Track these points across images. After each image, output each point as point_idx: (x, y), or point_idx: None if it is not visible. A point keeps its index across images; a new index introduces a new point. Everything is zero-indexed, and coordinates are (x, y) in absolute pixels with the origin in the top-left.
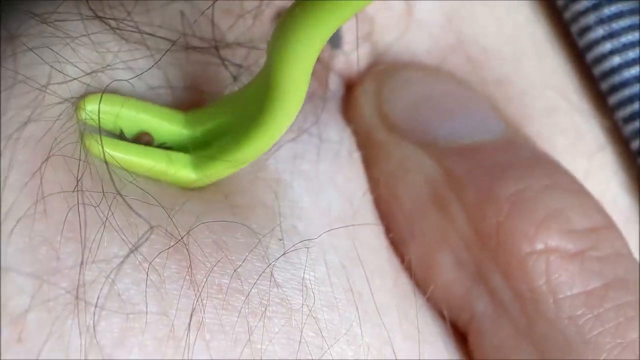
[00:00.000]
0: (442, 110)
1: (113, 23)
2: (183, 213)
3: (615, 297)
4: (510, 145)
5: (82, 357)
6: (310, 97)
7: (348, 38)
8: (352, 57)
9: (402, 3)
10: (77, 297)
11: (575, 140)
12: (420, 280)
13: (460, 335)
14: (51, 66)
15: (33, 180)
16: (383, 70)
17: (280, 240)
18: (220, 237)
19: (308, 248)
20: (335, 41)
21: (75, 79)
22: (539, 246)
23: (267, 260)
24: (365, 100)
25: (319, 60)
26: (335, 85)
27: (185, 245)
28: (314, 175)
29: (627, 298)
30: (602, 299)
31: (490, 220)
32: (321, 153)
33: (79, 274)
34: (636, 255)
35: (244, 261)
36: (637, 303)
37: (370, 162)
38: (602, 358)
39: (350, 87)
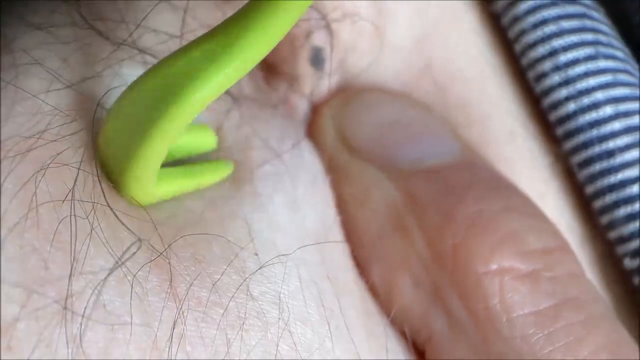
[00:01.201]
0: (403, 134)
1: (102, 28)
2: (164, 226)
3: (566, 316)
4: (469, 166)
5: None
6: (283, 117)
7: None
8: (323, 80)
9: (372, 27)
10: (65, 308)
11: (533, 165)
12: (383, 301)
13: (419, 353)
14: (51, 72)
15: (24, 190)
16: (345, 94)
17: (256, 254)
18: (198, 250)
19: (285, 263)
20: (317, 62)
21: (69, 86)
22: (494, 266)
23: (242, 275)
24: (327, 124)
25: (290, 83)
26: (304, 108)
27: (167, 259)
28: (291, 193)
29: (578, 317)
30: (553, 319)
31: (448, 241)
32: (298, 174)
33: (68, 284)
34: (592, 279)
35: (222, 275)
36: (587, 323)
37: (334, 185)
38: None
39: (315, 110)
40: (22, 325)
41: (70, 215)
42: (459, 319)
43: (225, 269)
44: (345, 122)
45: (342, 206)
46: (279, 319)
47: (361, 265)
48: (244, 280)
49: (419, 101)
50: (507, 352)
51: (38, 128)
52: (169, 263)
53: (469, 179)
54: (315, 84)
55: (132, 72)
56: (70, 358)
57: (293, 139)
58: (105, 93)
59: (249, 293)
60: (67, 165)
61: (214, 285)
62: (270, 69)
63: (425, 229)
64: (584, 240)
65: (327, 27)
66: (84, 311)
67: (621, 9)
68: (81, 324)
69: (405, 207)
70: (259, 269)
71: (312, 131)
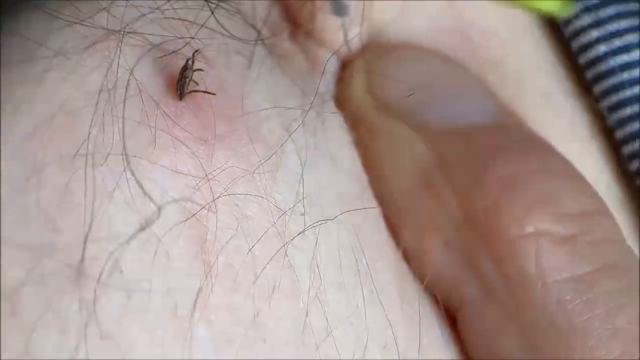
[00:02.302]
0: (435, 92)
1: None
2: (213, 182)
3: (605, 282)
4: (503, 128)
5: (80, 333)
6: (306, 75)
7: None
8: (350, 35)
9: None
10: (78, 273)
11: (571, 125)
12: (415, 265)
13: (450, 319)
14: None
15: (28, 144)
16: (376, 49)
17: (302, 215)
18: (241, 209)
19: (327, 226)
20: (340, 9)
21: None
22: (529, 229)
23: (282, 239)
24: (357, 80)
25: (316, 38)
26: (331, 64)
27: (204, 221)
28: (328, 154)
29: (617, 284)
30: (591, 285)
31: (480, 202)
32: (330, 133)
33: (82, 248)
34: (629, 241)
35: (258, 241)
36: (627, 289)
37: (362, 142)
38: (589, 344)
39: (344, 66)
40: (28, 290)
41: (85, 170)
42: (492, 284)
43: (267, 230)
44: (376, 77)
45: (370, 165)
46: (310, 287)
47: (392, 227)
48: (283, 245)
49: (453, 59)
50: (542, 319)
51: None
52: (205, 226)
53: (502, 141)
54: (343, 38)
55: None
56: (82, 325)
57: (320, 96)
58: None
59: (286, 259)
60: None
61: (249, 250)
62: (297, 26)
63: (457, 190)
64: (622, 201)
65: None
66: (99, 276)
67: None
68: (95, 289)
69: (435, 167)
70: (301, 232)
71: (340, 87)
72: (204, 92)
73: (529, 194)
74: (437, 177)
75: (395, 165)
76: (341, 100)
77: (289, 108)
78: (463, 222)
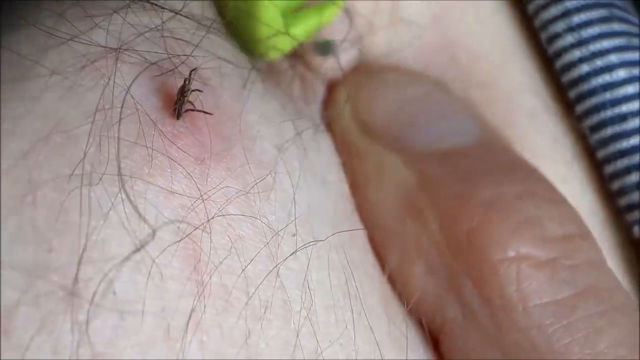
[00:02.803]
0: (419, 115)
1: None
2: (208, 202)
3: (585, 307)
4: (487, 150)
5: (73, 354)
6: (298, 96)
7: (337, 38)
8: (340, 57)
9: (389, 4)
10: (71, 293)
11: (555, 147)
12: (400, 288)
13: (434, 342)
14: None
15: (24, 163)
16: (362, 73)
17: (294, 236)
18: (235, 230)
19: (318, 247)
20: (325, 50)
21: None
22: (511, 253)
23: (274, 259)
24: (342, 103)
25: (305, 62)
26: (319, 87)
27: (198, 242)
28: (320, 176)
29: (597, 308)
30: (572, 309)
31: (463, 226)
32: (321, 156)
33: (76, 269)
34: (612, 261)
35: (251, 262)
36: (607, 313)
37: (347, 166)
38: None
39: (331, 88)
40: (22, 311)
41: (80, 190)
42: (473, 308)
43: (260, 251)
44: (361, 101)
45: (355, 188)
46: (301, 308)
47: (377, 250)
48: (275, 266)
49: (438, 81)
50: (523, 342)
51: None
52: (199, 246)
53: (486, 163)
54: (329, 65)
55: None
56: (74, 346)
57: (312, 118)
58: None
59: (278, 280)
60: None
61: (242, 271)
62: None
63: (439, 213)
64: (605, 223)
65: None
66: (92, 297)
67: None
68: (88, 311)
69: (419, 190)
70: (292, 253)
71: (326, 111)
72: (201, 111)
73: (511, 217)
74: (420, 200)
75: (380, 188)
76: (328, 123)
77: (285, 120)
78: (446, 245)
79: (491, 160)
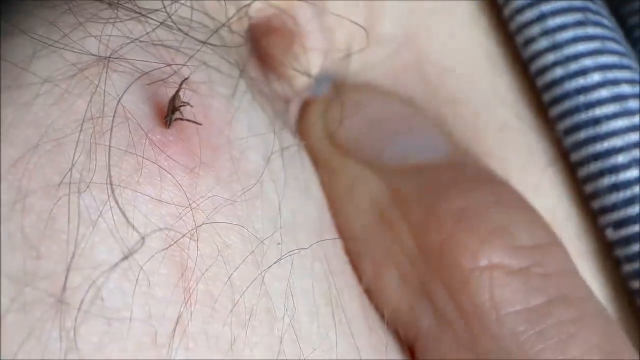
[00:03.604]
0: (389, 132)
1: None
2: (196, 210)
3: (557, 314)
4: (456, 164)
5: None
6: (282, 111)
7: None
8: (312, 75)
9: (362, 20)
10: (59, 300)
11: (527, 157)
12: (374, 298)
13: (410, 350)
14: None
15: (14, 170)
16: (333, 91)
17: (279, 244)
18: (222, 238)
19: (302, 255)
20: (322, 84)
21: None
22: (483, 262)
23: (259, 267)
24: (315, 121)
25: (284, 79)
26: (295, 104)
27: (186, 249)
28: (304, 186)
29: (569, 315)
30: (544, 316)
31: (435, 236)
32: (305, 167)
33: (64, 276)
34: (589, 266)
35: (236, 269)
36: (579, 320)
37: (322, 181)
38: None
39: (304, 105)
40: (11, 318)
41: (69, 197)
42: (447, 316)
43: (246, 258)
44: (332, 118)
45: (330, 202)
46: (284, 315)
47: (353, 261)
48: (260, 273)
49: (406, 98)
50: (496, 350)
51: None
52: (187, 254)
53: (456, 176)
54: (302, 84)
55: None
56: (62, 353)
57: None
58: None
59: (263, 287)
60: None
61: (228, 278)
62: (268, 63)
63: (411, 225)
64: (581, 230)
65: (321, 30)
66: (80, 304)
67: None
68: (76, 317)
69: (391, 204)
70: (276, 262)
71: (300, 127)
72: (191, 121)
73: (481, 227)
74: (392, 212)
75: (352, 202)
76: (303, 140)
77: (272, 132)
78: (418, 256)
79: (460, 173)
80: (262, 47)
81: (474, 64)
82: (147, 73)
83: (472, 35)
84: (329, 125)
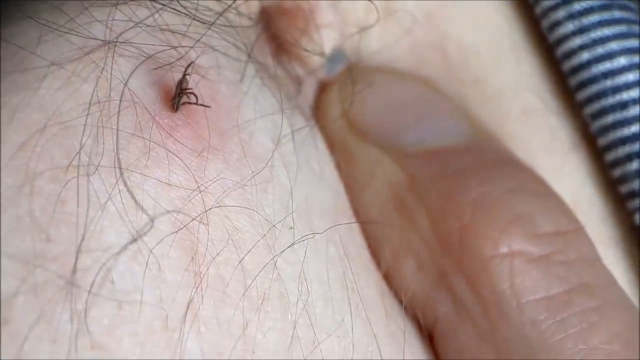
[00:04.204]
0: (408, 115)
1: None
2: (205, 194)
3: (579, 302)
4: (478, 149)
5: (72, 343)
6: (293, 93)
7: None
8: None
9: (382, 3)
10: (70, 283)
11: (550, 140)
12: (394, 284)
13: (428, 335)
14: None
15: (22, 154)
16: (352, 73)
17: (291, 228)
18: (232, 222)
19: (316, 240)
20: (336, 60)
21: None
22: (503, 249)
23: (272, 251)
24: (333, 103)
25: (297, 60)
26: (311, 85)
27: (196, 233)
28: (317, 170)
29: (591, 304)
30: (565, 304)
31: (454, 223)
32: (319, 151)
33: (74, 258)
34: (613, 253)
35: (248, 253)
36: (601, 309)
37: (339, 165)
38: None
39: (322, 88)
40: (21, 301)
41: (77, 180)
42: (466, 304)
43: (257, 243)
44: (350, 101)
45: (347, 186)
46: (298, 300)
47: (371, 247)
48: (273, 257)
49: (427, 80)
50: (516, 338)
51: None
52: (197, 237)
53: (476, 161)
54: (320, 64)
55: None
56: (73, 335)
57: (306, 115)
58: None
59: (275, 272)
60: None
61: (239, 262)
62: (280, 45)
63: (430, 211)
64: (605, 215)
65: (335, 7)
66: (91, 287)
67: None
68: (86, 300)
69: (409, 189)
70: (290, 246)
71: (316, 109)
72: (199, 104)
73: (503, 214)
74: (410, 198)
75: (370, 187)
76: (319, 124)
77: (283, 114)
78: (437, 243)
79: (481, 158)
80: (274, 28)
81: (497, 45)
82: (152, 56)
83: (494, 18)
84: (347, 107)
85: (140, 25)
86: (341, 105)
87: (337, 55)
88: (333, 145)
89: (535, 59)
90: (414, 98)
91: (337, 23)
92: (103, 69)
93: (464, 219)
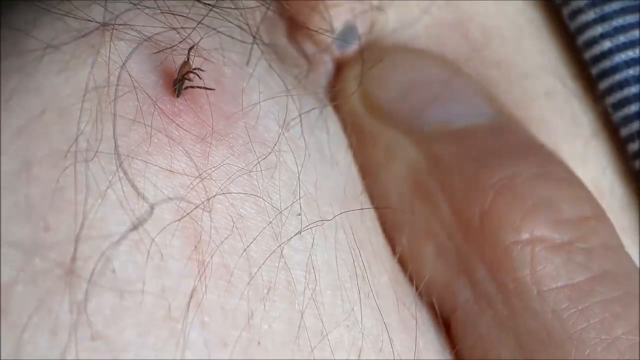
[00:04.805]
0: (429, 95)
1: None
2: (210, 181)
3: (601, 291)
4: (500, 131)
5: (71, 334)
6: (304, 75)
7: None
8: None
9: None
10: (69, 272)
11: (572, 125)
12: (411, 270)
13: (445, 325)
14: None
15: (19, 139)
16: (371, 52)
17: (299, 215)
18: (237, 209)
19: (324, 227)
20: (348, 36)
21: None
22: (525, 235)
23: (278, 239)
24: (351, 84)
25: (313, 39)
26: (328, 65)
27: (199, 221)
28: (327, 154)
29: (614, 293)
30: (588, 293)
31: (475, 208)
32: (330, 134)
33: (73, 247)
34: (634, 245)
35: (253, 241)
36: (624, 298)
37: (356, 147)
38: (585, 354)
39: (339, 68)
40: (19, 290)
41: (74, 167)
42: (486, 291)
43: (263, 230)
44: (369, 82)
45: (364, 170)
46: (305, 288)
47: (388, 232)
48: (279, 245)
49: (448, 60)
50: (537, 327)
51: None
52: (200, 226)
53: (498, 144)
54: (337, 43)
55: None
56: (73, 325)
57: (316, 98)
58: None
59: (282, 260)
60: None
61: (244, 251)
62: (295, 25)
63: (450, 195)
64: (625, 202)
65: None
66: (91, 276)
67: None
68: (86, 289)
69: (429, 172)
70: (297, 233)
71: (334, 90)
72: (202, 87)
73: (525, 199)
74: (430, 181)
75: (389, 170)
76: (337, 104)
77: (295, 94)
78: (457, 227)
79: (504, 142)
80: (287, 7)
81: (519, 27)
82: (151, 38)
83: (515, 1)
84: (367, 88)
85: (140, 7)
86: (357, 83)
87: (348, 30)
88: (351, 127)
89: (557, 44)
90: (435, 77)
91: (354, 1)
92: (98, 51)
93: (486, 203)
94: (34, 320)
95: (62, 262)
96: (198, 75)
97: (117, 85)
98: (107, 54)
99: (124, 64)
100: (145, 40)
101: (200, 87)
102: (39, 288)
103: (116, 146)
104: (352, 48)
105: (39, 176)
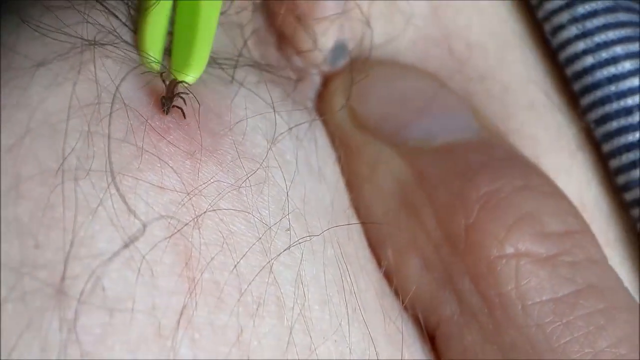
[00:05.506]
0: (414, 109)
1: None
2: (200, 197)
3: (586, 305)
4: (484, 145)
5: (61, 353)
6: (293, 89)
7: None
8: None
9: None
10: (59, 291)
11: (556, 138)
12: (396, 283)
13: (430, 339)
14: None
15: (9, 156)
16: (357, 66)
17: (288, 231)
18: (227, 225)
19: (313, 242)
20: (338, 55)
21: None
22: (509, 250)
23: (268, 255)
24: (337, 97)
25: (301, 55)
26: (315, 79)
27: (190, 238)
28: (316, 169)
29: (598, 306)
30: (572, 307)
31: (460, 222)
32: (318, 148)
33: (63, 265)
34: (616, 255)
35: (243, 257)
36: (608, 312)
37: (343, 161)
38: None
39: (326, 81)
40: (9, 308)
41: (62, 186)
42: (470, 305)
43: (253, 246)
44: (355, 95)
45: (350, 183)
46: (294, 304)
47: (373, 246)
48: (268, 261)
49: (433, 74)
50: (521, 341)
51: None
52: (190, 242)
53: (483, 158)
54: (322, 56)
55: None
56: (62, 344)
57: (309, 111)
58: None
59: (271, 276)
60: None
61: (234, 267)
62: (283, 38)
63: (436, 208)
64: (610, 216)
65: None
66: (80, 295)
67: None
68: (76, 308)
69: (415, 186)
70: (286, 249)
71: (321, 104)
72: (187, 105)
73: (509, 213)
74: (416, 195)
75: (375, 183)
76: (323, 118)
77: (283, 111)
78: (442, 241)
79: (489, 156)
80: (276, 23)
81: (503, 41)
82: (141, 65)
83: (500, 13)
84: (352, 102)
85: (127, 25)
86: (345, 98)
87: (339, 48)
88: (338, 140)
89: (540, 58)
90: (420, 91)
91: (340, 16)
92: (79, 69)
93: (471, 217)
94: (23, 339)
95: (52, 280)
96: (183, 99)
97: (112, 102)
98: (100, 73)
99: (119, 85)
100: (139, 65)
101: (185, 105)
102: (28, 307)
103: (110, 163)
104: (342, 63)
105: (29, 194)
